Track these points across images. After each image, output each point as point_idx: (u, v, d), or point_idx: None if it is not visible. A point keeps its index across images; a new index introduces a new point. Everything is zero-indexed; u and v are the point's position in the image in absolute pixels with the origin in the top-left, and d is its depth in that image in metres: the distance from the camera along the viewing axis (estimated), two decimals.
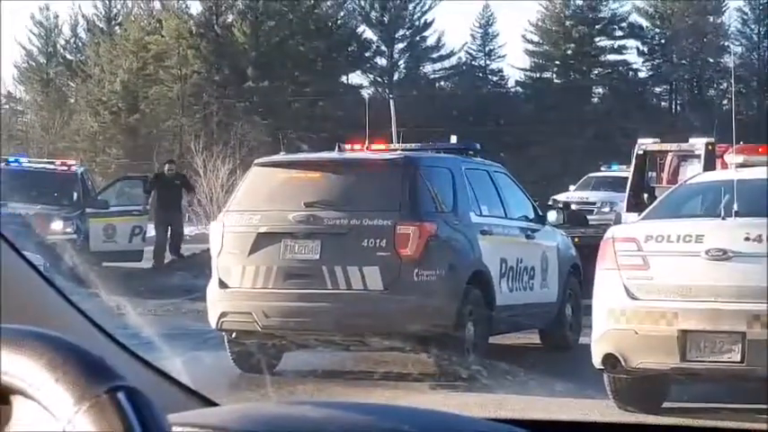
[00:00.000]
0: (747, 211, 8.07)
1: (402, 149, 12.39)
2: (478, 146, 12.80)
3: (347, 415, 1.18)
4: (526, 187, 12.96)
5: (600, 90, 66.65)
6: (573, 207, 24.95)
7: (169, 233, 22.08)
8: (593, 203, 30.40)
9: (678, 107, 67.76)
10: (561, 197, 29.41)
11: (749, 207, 8.13)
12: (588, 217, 24.24)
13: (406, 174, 10.47)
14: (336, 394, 9.19)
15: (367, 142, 12.61)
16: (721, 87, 64.98)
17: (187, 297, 16.19)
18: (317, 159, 11.78)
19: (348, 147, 12.35)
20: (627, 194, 18.23)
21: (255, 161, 11.54)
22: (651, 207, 9.38)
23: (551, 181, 39.21)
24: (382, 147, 12.63)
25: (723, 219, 8.04)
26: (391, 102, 17.86)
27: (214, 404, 1.67)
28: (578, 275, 12.65)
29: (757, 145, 9.96)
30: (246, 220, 10.45)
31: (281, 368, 10.60)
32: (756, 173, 8.95)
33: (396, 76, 64.67)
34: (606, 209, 28.85)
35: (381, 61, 65.00)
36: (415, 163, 10.79)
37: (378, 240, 10.08)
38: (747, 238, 7.81)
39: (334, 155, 11.74)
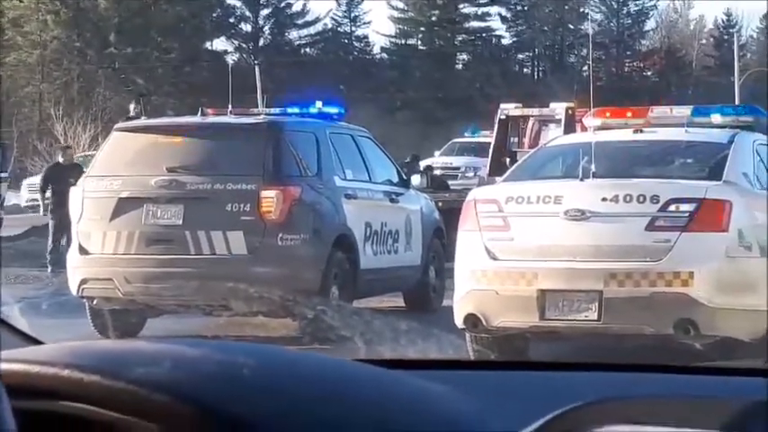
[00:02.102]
0: (605, 173, 8.23)
1: (266, 114, 12.31)
2: (343, 111, 12.78)
3: (182, 349, 1.18)
4: (392, 153, 13.00)
5: (464, 56, 67.20)
6: (438, 172, 25.17)
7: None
8: (458, 168, 30.72)
9: (540, 73, 68.76)
10: (425, 162, 29.60)
11: (606, 168, 8.29)
12: (452, 182, 24.49)
13: (269, 138, 10.41)
14: None
15: (230, 107, 12.50)
16: (581, 54, 66.09)
17: (47, 265, 15.91)
18: (180, 124, 11.64)
19: (211, 111, 12.23)
20: (489, 159, 18.44)
21: (116, 126, 11.37)
22: (512, 169, 9.49)
23: (417, 146, 39.42)
24: (246, 111, 12.52)
25: (581, 180, 8.17)
26: (256, 68, 17.75)
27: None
28: (442, 239, 12.77)
29: (614, 108, 10.12)
30: (107, 185, 10.29)
31: (144, 334, 10.49)
32: (613, 135, 9.10)
33: (261, 42, 64.25)
34: (470, 174, 29.17)
35: (246, 27, 64.52)
36: (279, 127, 10.74)
37: (241, 205, 10.02)
38: (604, 199, 7.96)
39: (197, 119, 11.63)
